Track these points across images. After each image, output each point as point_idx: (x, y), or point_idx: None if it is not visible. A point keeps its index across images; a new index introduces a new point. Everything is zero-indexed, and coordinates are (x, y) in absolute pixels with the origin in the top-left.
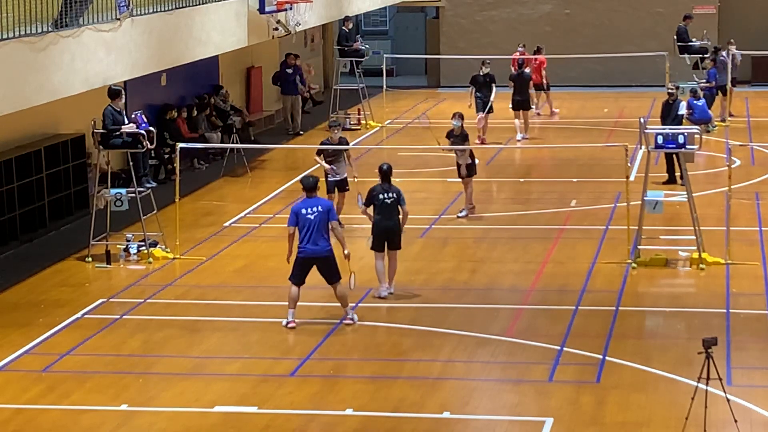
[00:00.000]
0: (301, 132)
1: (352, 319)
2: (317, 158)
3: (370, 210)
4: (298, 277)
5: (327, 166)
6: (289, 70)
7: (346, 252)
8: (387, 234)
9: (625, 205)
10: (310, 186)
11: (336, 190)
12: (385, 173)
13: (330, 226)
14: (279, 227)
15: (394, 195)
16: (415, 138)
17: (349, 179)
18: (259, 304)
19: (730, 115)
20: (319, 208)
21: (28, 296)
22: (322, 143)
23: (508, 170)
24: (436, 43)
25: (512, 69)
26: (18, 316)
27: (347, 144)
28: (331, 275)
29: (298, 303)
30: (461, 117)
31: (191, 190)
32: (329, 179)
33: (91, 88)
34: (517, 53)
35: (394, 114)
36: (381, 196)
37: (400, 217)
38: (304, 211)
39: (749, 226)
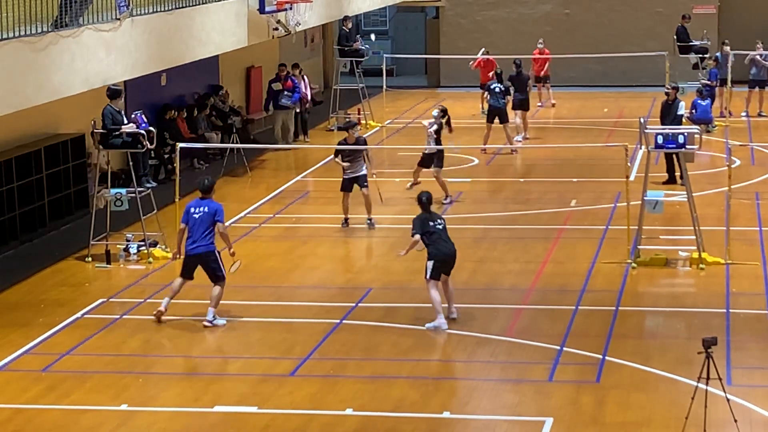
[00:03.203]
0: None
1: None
2: (336, 159)
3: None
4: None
5: (344, 164)
6: (275, 85)
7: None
8: (449, 261)
9: (625, 205)
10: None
11: (357, 186)
12: (424, 204)
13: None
14: (279, 227)
15: (443, 221)
16: (415, 138)
17: (369, 178)
18: (259, 304)
19: (761, 114)
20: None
21: (28, 296)
22: (339, 143)
23: (508, 170)
24: (436, 43)
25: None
26: (18, 316)
27: (365, 142)
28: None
29: (302, 303)
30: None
31: (191, 190)
32: (344, 176)
33: (91, 88)
34: (482, 56)
35: (394, 114)
36: (431, 223)
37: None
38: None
39: (749, 226)
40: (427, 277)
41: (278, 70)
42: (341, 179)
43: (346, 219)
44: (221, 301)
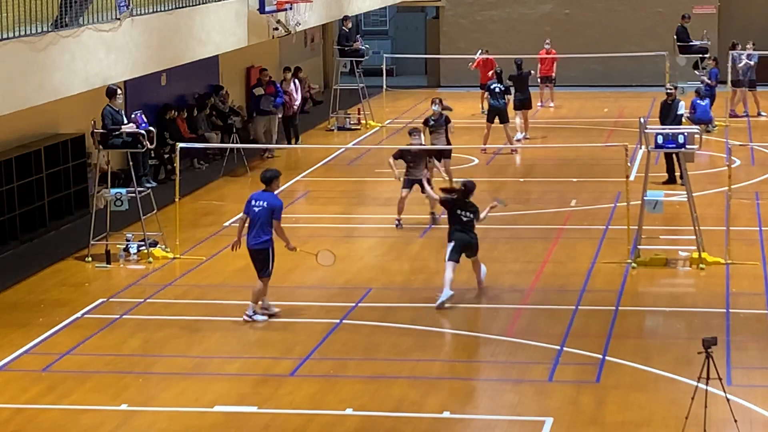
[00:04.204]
0: (272, 156)
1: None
2: (391, 161)
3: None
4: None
5: (396, 171)
6: (257, 90)
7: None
8: (464, 246)
9: (625, 205)
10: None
11: (415, 186)
12: (461, 191)
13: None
14: None
15: (471, 214)
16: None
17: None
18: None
19: (760, 114)
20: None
21: (28, 296)
22: (401, 150)
23: (508, 170)
24: (436, 43)
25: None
26: (18, 316)
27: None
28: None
29: (302, 303)
30: (440, 102)
31: (191, 190)
32: (406, 177)
33: (91, 88)
34: (480, 55)
35: (394, 114)
36: (458, 212)
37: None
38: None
39: (749, 226)
40: (446, 258)
41: (260, 75)
42: (403, 179)
43: (399, 220)
44: (220, 301)
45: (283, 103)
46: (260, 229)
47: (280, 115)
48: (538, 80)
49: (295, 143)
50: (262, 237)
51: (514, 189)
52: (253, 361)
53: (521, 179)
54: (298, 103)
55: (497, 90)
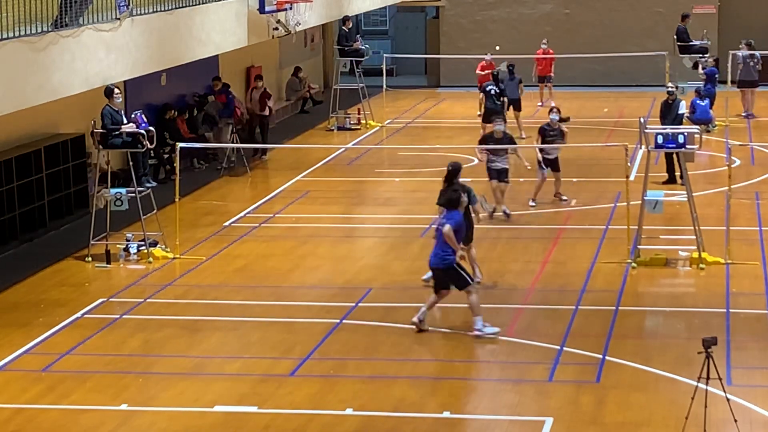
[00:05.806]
0: (231, 165)
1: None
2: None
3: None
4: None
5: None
6: (210, 99)
7: None
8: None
9: (625, 205)
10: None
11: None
12: (450, 173)
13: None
14: (279, 227)
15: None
16: (415, 138)
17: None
18: (259, 303)
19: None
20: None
21: (28, 296)
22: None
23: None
24: (436, 43)
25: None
26: (18, 316)
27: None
28: None
29: (302, 303)
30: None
31: (191, 189)
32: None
33: (91, 88)
34: (485, 60)
35: (394, 114)
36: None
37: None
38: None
39: (749, 226)
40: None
41: (213, 84)
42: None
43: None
44: (220, 301)
45: (233, 113)
46: (438, 247)
47: (230, 123)
48: (535, 79)
49: (262, 155)
50: (440, 254)
51: (513, 189)
52: (253, 361)
53: (521, 179)
54: (245, 114)
55: (493, 92)
